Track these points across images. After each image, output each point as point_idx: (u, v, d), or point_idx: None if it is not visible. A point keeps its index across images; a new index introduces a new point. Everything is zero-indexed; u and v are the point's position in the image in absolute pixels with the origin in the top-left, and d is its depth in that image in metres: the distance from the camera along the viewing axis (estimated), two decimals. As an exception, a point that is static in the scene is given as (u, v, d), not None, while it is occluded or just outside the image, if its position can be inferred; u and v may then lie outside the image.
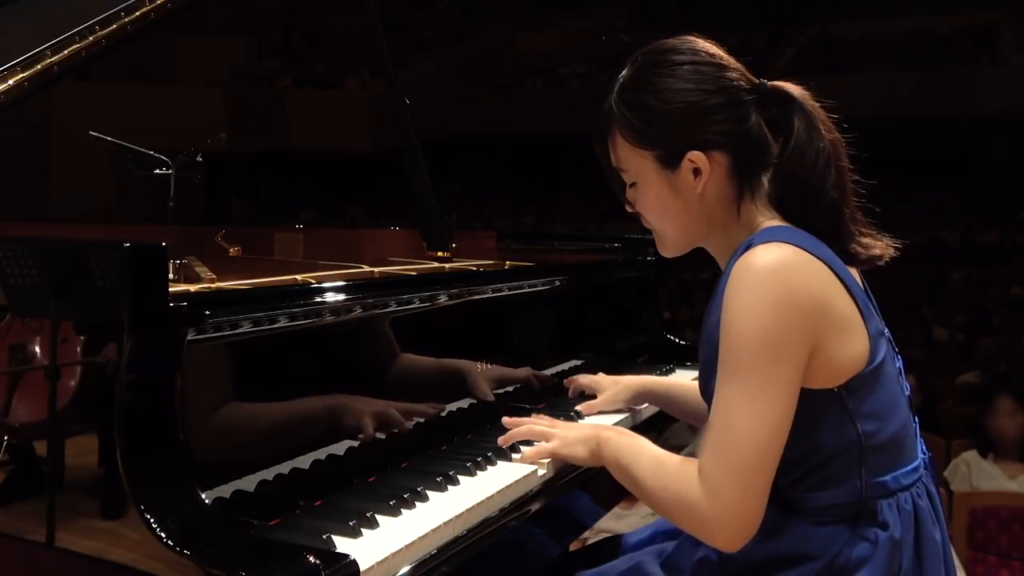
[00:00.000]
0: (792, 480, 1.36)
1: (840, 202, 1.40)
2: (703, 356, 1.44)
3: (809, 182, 1.38)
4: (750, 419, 1.27)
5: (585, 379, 2.03)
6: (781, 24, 16.87)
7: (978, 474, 3.89)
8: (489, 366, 1.90)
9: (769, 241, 1.34)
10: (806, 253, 1.33)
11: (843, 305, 1.34)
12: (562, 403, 2.01)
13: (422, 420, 1.68)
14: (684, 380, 2.05)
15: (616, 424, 1.88)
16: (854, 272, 1.42)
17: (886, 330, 1.43)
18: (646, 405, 2.03)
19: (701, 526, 1.31)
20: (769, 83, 1.44)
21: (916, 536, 1.37)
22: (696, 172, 1.42)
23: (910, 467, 1.40)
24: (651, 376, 2.07)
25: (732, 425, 1.28)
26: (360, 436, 1.51)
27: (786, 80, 1.47)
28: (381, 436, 1.56)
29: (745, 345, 1.28)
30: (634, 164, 1.47)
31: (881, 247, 1.43)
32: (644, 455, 1.42)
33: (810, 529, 1.35)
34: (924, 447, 1.47)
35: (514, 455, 1.66)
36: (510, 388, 1.97)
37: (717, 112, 1.40)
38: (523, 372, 2.01)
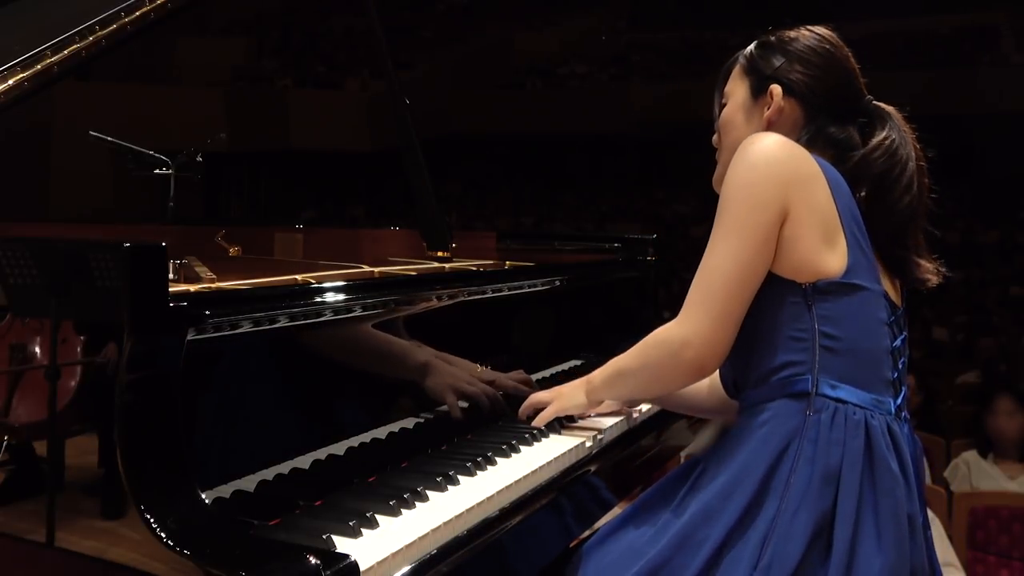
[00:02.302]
0: (753, 368, 1.50)
1: (912, 219, 1.58)
2: None
3: (884, 184, 1.56)
4: (721, 254, 1.48)
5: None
6: (781, 24, 16.85)
7: (978, 474, 3.89)
8: (487, 368, 1.90)
9: None
10: (814, 160, 1.50)
11: (823, 200, 1.48)
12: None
13: (422, 420, 1.68)
14: None
15: (611, 427, 1.88)
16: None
17: (885, 288, 1.54)
18: (645, 407, 2.03)
19: (672, 348, 1.50)
20: (874, 101, 1.65)
21: (867, 451, 1.42)
22: (768, 107, 1.62)
23: (874, 395, 1.46)
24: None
25: (707, 261, 1.49)
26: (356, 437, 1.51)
27: None
28: (380, 436, 1.56)
29: (727, 197, 1.49)
30: (734, 88, 1.70)
31: (931, 272, 1.61)
32: (622, 355, 1.65)
33: (766, 430, 1.45)
34: (908, 409, 1.54)
35: (513, 454, 1.67)
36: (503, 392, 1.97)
37: (809, 66, 1.62)
38: (516, 376, 1.99)
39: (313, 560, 1.08)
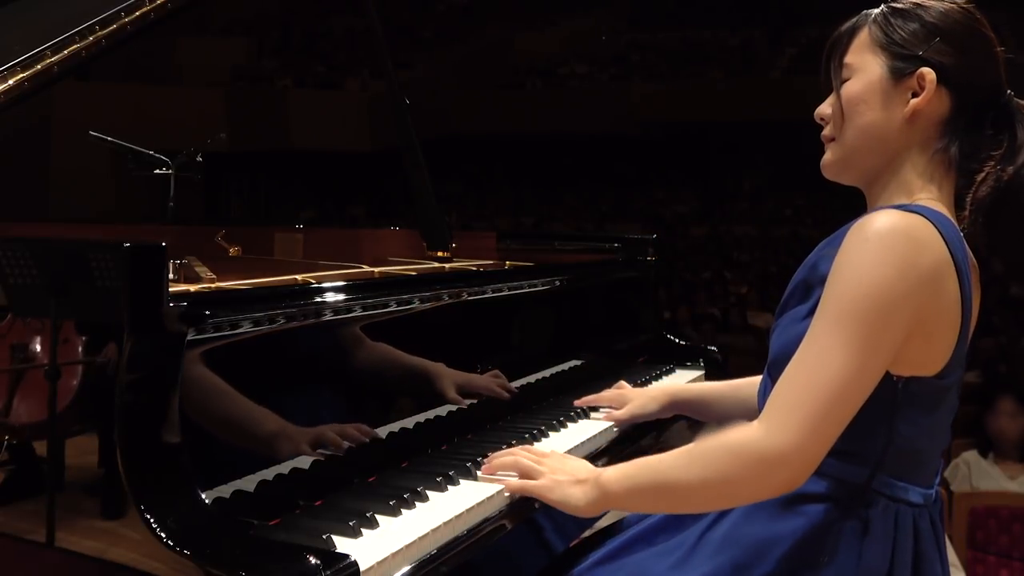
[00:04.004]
0: None
1: None
2: (788, 307, 1.42)
3: None
4: (844, 367, 1.24)
5: (608, 393, 1.98)
6: (781, 24, 16.88)
7: (978, 474, 3.88)
8: (487, 368, 1.90)
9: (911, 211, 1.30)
10: (944, 244, 1.29)
11: (951, 296, 1.30)
12: (563, 403, 2.00)
13: (422, 420, 1.68)
14: (710, 384, 1.96)
15: (611, 427, 1.88)
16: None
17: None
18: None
19: (762, 465, 1.26)
20: (1014, 97, 1.42)
21: (916, 554, 1.35)
22: (915, 95, 1.37)
23: (925, 489, 1.38)
24: (678, 384, 2.03)
25: (824, 366, 1.25)
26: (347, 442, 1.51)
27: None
28: (381, 436, 1.56)
29: (860, 298, 1.25)
30: (863, 61, 1.41)
31: None
32: (663, 459, 1.36)
33: (806, 492, 1.33)
34: (939, 481, 1.45)
35: (514, 455, 1.66)
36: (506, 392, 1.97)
37: (962, 51, 1.37)
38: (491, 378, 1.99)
39: (313, 560, 1.08)
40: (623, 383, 2.04)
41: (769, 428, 1.26)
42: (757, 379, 1.46)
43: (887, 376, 1.29)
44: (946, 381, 1.33)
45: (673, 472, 1.33)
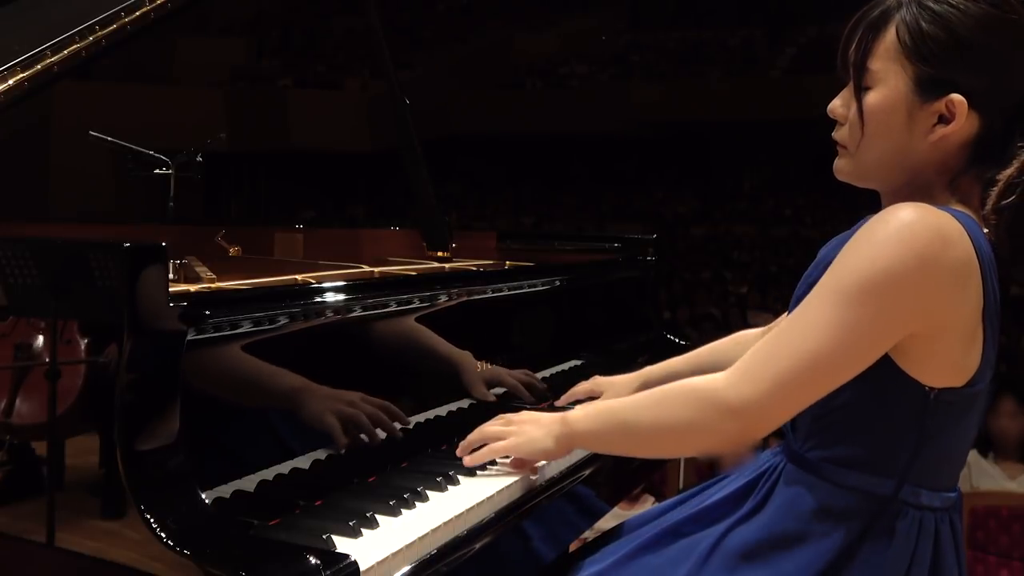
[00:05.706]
0: (832, 442, 1.31)
1: None
2: (800, 302, 1.37)
3: None
4: (828, 341, 1.21)
5: (583, 386, 1.96)
6: (781, 24, 16.89)
7: (978, 474, 3.88)
8: (489, 366, 1.90)
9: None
10: (972, 247, 1.24)
11: (974, 299, 1.25)
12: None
13: (422, 420, 1.68)
14: (680, 357, 1.91)
15: None
16: None
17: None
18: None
19: (714, 413, 1.26)
20: None
21: (935, 559, 1.32)
22: (943, 119, 1.28)
23: (947, 494, 1.35)
24: (646, 367, 2.03)
25: (808, 335, 1.22)
26: (358, 434, 1.51)
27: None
28: (382, 435, 1.56)
29: (867, 279, 1.21)
30: (887, 71, 1.30)
31: None
32: (628, 402, 1.38)
33: (831, 505, 1.30)
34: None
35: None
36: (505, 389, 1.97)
37: (1000, 71, 1.27)
38: (521, 374, 2.00)
39: (313, 560, 1.08)
40: (596, 376, 1.99)
41: (733, 378, 1.25)
42: (727, 340, 1.43)
43: (918, 388, 1.26)
44: (976, 388, 1.30)
45: (634, 410, 1.35)
